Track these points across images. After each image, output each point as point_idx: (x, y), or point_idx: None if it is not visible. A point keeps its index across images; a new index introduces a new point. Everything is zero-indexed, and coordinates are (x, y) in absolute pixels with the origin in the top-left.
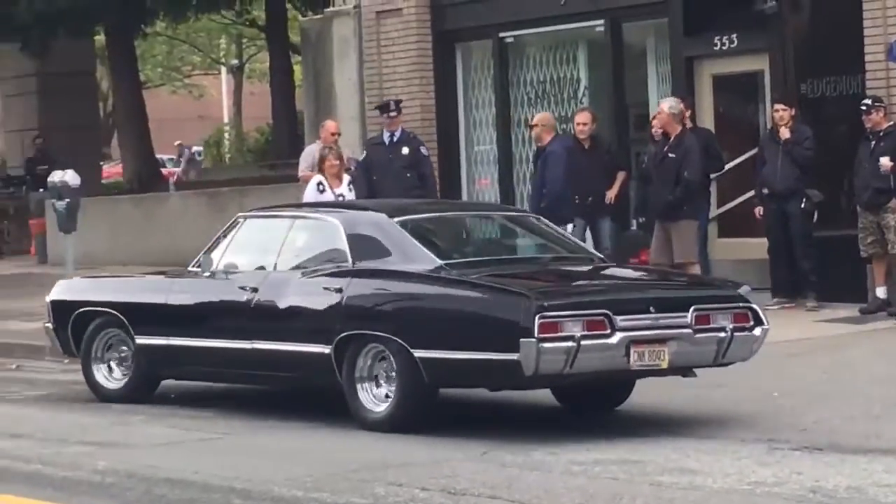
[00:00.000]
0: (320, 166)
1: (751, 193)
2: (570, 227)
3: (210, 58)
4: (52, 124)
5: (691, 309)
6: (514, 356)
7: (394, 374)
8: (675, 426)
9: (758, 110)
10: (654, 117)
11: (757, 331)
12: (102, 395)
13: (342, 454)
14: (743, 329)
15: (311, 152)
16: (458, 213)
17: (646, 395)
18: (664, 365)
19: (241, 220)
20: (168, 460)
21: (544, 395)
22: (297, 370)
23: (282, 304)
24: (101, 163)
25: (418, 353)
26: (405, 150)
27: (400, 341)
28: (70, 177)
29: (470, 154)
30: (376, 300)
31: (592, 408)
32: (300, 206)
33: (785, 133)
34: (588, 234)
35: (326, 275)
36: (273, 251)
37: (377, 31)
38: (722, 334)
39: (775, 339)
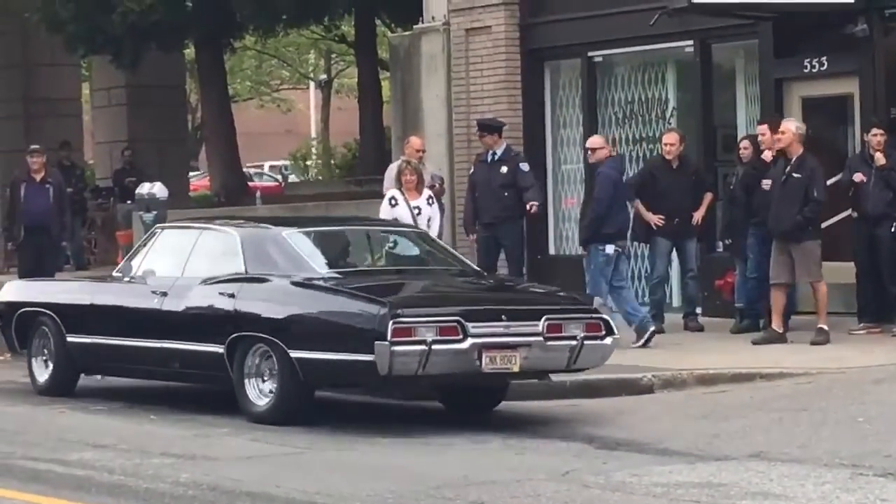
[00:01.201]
0: (398, 179)
1: (839, 217)
2: (610, 248)
3: (298, 72)
4: (140, 136)
5: (543, 318)
6: (370, 357)
7: (275, 371)
8: (757, 450)
9: (846, 133)
10: (742, 138)
11: (608, 340)
12: (37, 388)
13: (424, 470)
14: (594, 338)
15: (395, 169)
16: (346, 228)
17: (725, 416)
18: (515, 369)
19: (158, 230)
20: (250, 474)
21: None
22: (197, 367)
23: (185, 308)
24: (189, 175)
25: (294, 354)
26: (504, 169)
27: (279, 342)
28: (158, 189)
29: (557, 173)
30: (262, 305)
31: (471, 409)
32: (211, 219)
33: (881, 158)
34: (674, 254)
35: (223, 281)
36: (182, 260)
37: (466, 49)
38: (573, 342)
39: (861, 364)
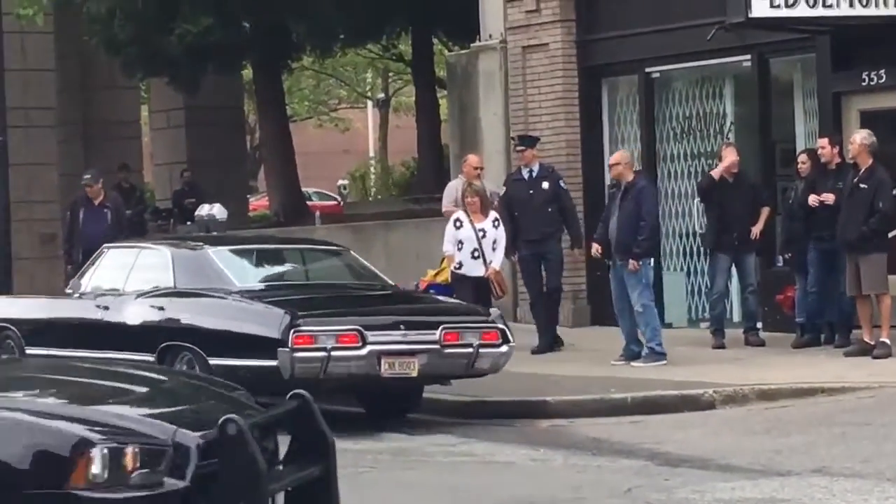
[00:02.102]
0: (463, 202)
1: None
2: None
3: (356, 91)
4: (199, 158)
5: (440, 328)
6: (274, 363)
7: None
8: (820, 465)
9: None
10: (801, 152)
11: (504, 348)
12: None
13: (487, 489)
14: (491, 346)
15: (453, 187)
16: (268, 246)
17: (787, 432)
18: (414, 374)
19: (105, 250)
20: None
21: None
22: None
23: (123, 320)
24: (248, 196)
25: (212, 361)
26: (545, 185)
27: (200, 350)
28: (217, 210)
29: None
30: (186, 316)
31: (388, 413)
32: (150, 239)
33: None
34: (733, 269)
35: (155, 295)
36: (123, 276)
37: (523, 66)
38: (469, 350)
39: None
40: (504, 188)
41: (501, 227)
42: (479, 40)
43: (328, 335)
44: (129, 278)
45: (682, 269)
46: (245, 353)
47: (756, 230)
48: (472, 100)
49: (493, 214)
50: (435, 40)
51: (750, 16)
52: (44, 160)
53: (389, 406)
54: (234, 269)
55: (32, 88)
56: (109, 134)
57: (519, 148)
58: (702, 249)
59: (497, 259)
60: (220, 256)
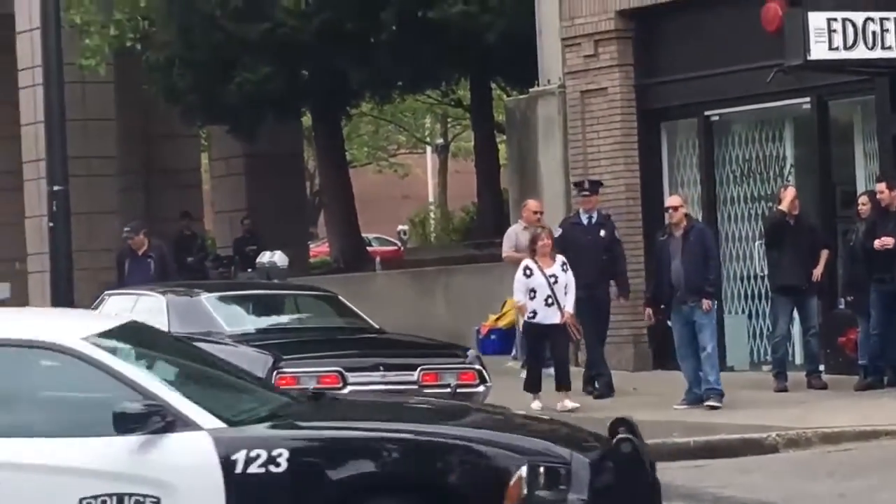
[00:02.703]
0: (531, 247)
1: None
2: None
3: (415, 137)
4: (259, 205)
5: (418, 369)
6: None
7: None
8: None
9: None
10: (861, 195)
11: (481, 388)
12: None
13: None
14: (468, 386)
15: (514, 232)
16: (258, 292)
17: (851, 475)
18: None
19: (106, 296)
20: None
21: None
22: None
23: None
24: (308, 242)
25: None
26: (602, 233)
27: None
28: (278, 258)
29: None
30: None
31: None
32: (147, 286)
33: None
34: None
35: None
36: None
37: (582, 111)
38: (447, 390)
39: None
40: (560, 230)
41: (570, 272)
42: (538, 85)
43: (310, 376)
44: None
45: (743, 311)
46: None
47: (817, 273)
48: (531, 144)
49: (560, 258)
50: (493, 85)
51: (809, 58)
52: (105, 209)
53: None
54: (224, 314)
55: (93, 137)
56: (170, 182)
57: (584, 193)
58: (763, 292)
59: (570, 304)
60: (211, 303)
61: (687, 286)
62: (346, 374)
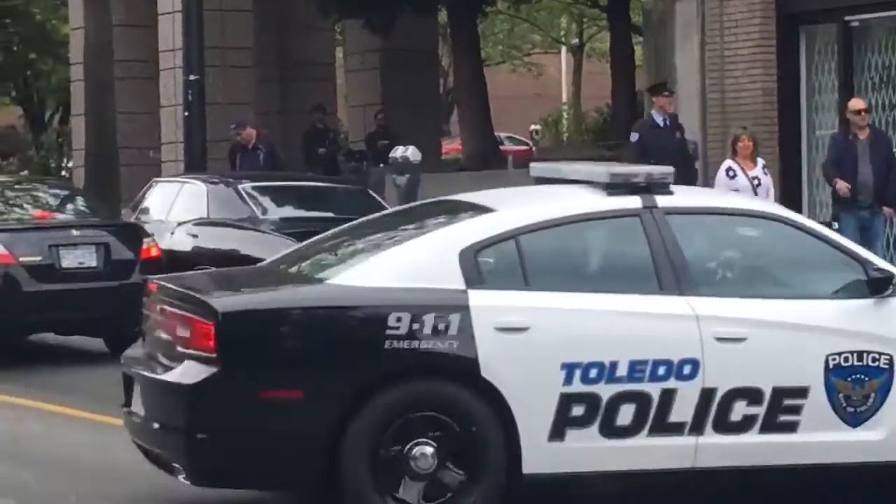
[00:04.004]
0: (733, 148)
1: None
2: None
3: (550, 37)
4: (393, 100)
5: None
6: None
7: None
8: None
9: None
10: None
11: None
12: None
13: None
14: None
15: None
16: (294, 183)
17: None
18: None
19: (154, 183)
20: None
21: None
22: None
23: (164, 245)
24: (441, 139)
25: None
26: (678, 134)
27: None
28: (411, 153)
29: (811, 139)
30: (214, 243)
31: None
32: (192, 175)
33: None
34: None
35: (192, 224)
36: (167, 206)
37: (720, 13)
38: None
39: None
40: (637, 134)
41: (769, 175)
42: None
43: None
44: (173, 208)
45: None
46: None
47: None
48: (667, 46)
49: (760, 161)
50: None
51: None
52: (241, 100)
53: None
54: (259, 202)
55: (230, 28)
56: (305, 74)
57: (665, 94)
58: None
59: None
60: (248, 191)
61: (875, 191)
62: None
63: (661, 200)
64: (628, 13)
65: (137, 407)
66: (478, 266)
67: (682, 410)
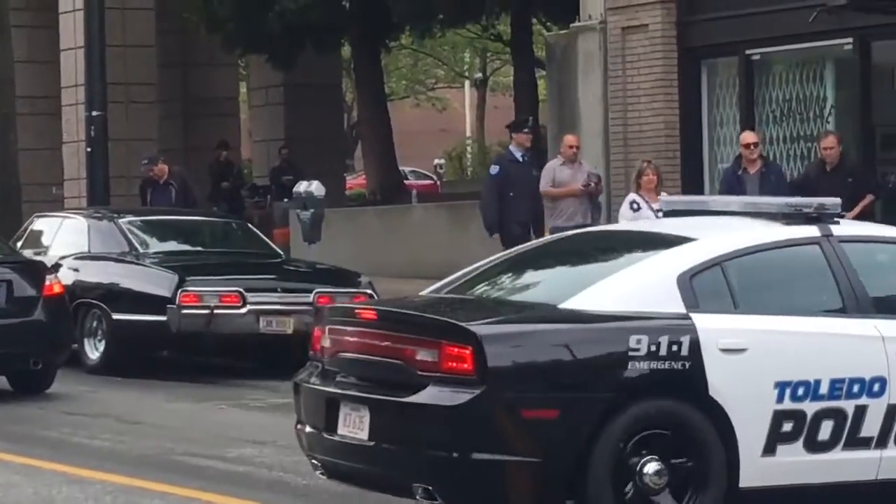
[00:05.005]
0: (637, 181)
1: None
2: None
3: (454, 71)
4: (297, 135)
5: (314, 292)
6: (164, 318)
7: (104, 331)
8: None
9: None
10: None
11: None
12: None
13: None
14: None
15: (552, 167)
16: (172, 217)
17: None
18: (289, 331)
19: (35, 218)
20: None
21: None
22: None
23: None
24: (345, 174)
25: (116, 316)
26: (535, 171)
27: (105, 307)
28: (315, 187)
29: (713, 171)
30: (95, 277)
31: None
32: (71, 209)
33: None
34: None
35: (73, 258)
36: (48, 241)
37: (622, 48)
38: None
39: None
40: (498, 167)
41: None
42: (579, 20)
43: (212, 295)
44: (54, 243)
45: None
46: (143, 310)
47: (849, 216)
48: (570, 80)
49: (664, 194)
50: (534, 20)
51: None
52: (145, 136)
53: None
54: (137, 236)
55: (133, 64)
56: (208, 110)
57: (525, 130)
58: None
59: None
60: (126, 225)
61: None
62: (246, 293)
63: (835, 229)
64: (531, 47)
65: (351, 429)
66: (693, 290)
67: (871, 425)
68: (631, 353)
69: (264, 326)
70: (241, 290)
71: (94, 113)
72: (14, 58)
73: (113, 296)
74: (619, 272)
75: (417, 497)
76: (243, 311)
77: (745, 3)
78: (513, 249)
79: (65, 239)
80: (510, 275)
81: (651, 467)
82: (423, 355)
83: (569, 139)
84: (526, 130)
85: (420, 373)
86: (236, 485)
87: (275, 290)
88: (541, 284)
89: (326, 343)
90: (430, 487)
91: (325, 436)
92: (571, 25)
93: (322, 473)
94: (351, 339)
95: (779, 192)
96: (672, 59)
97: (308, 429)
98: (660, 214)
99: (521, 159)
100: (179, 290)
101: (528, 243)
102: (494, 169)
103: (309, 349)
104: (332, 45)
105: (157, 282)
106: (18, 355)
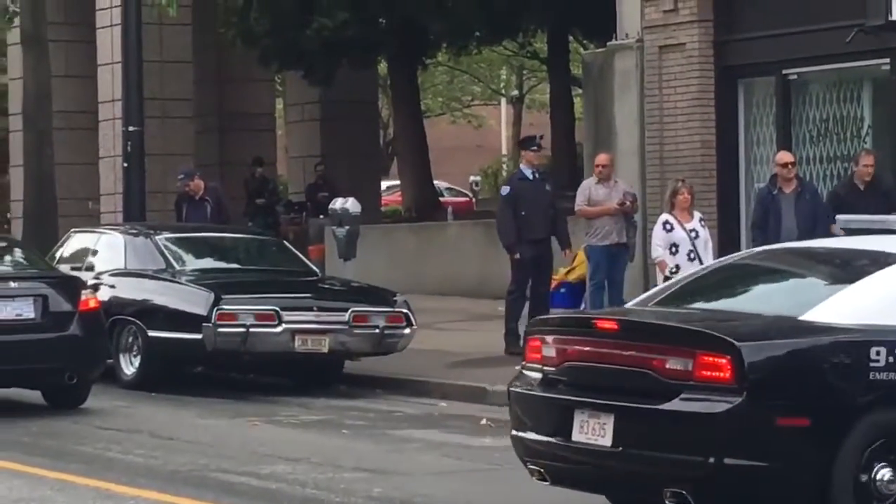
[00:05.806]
0: (671, 201)
1: None
2: None
3: (490, 88)
4: (333, 151)
5: (349, 311)
6: (199, 336)
7: (140, 347)
8: None
9: None
10: None
11: (407, 330)
12: None
13: None
14: (395, 328)
15: (587, 186)
16: (209, 234)
17: None
18: (325, 350)
19: (72, 233)
20: (441, 489)
21: None
22: None
23: None
24: (381, 191)
25: (152, 333)
26: (548, 187)
27: (141, 324)
28: (351, 204)
29: (749, 191)
30: (131, 294)
31: (313, 383)
32: (108, 225)
33: None
34: None
35: (109, 274)
36: (85, 257)
37: (659, 66)
38: (375, 331)
39: None
40: (508, 187)
41: (707, 227)
42: (616, 39)
43: (247, 313)
44: (90, 259)
45: None
46: (177, 327)
47: None
48: (607, 99)
49: (696, 214)
50: (571, 38)
51: (890, 18)
52: (180, 150)
53: (316, 378)
54: (175, 253)
55: (170, 80)
56: (244, 126)
57: (534, 148)
58: None
59: (709, 259)
60: (164, 242)
61: None
62: (282, 312)
63: None
64: (568, 65)
65: (589, 436)
66: None
67: None
68: (872, 365)
69: (300, 345)
70: (276, 308)
71: (131, 128)
72: (51, 72)
73: (149, 313)
74: (851, 285)
75: (666, 501)
76: (279, 329)
77: (783, 23)
78: (707, 266)
79: (101, 255)
80: (726, 289)
81: (885, 474)
82: (673, 364)
83: (599, 158)
84: (535, 148)
85: (669, 381)
86: (269, 501)
87: (310, 309)
88: (770, 298)
89: (550, 352)
90: (683, 491)
91: (557, 442)
92: (608, 44)
93: (541, 479)
94: (585, 349)
95: (814, 212)
96: (709, 78)
97: (531, 435)
98: (693, 234)
99: (531, 177)
100: (215, 309)
101: (722, 259)
102: (505, 189)
103: (523, 358)
104: (369, 62)
105: (193, 300)
106: (54, 370)
